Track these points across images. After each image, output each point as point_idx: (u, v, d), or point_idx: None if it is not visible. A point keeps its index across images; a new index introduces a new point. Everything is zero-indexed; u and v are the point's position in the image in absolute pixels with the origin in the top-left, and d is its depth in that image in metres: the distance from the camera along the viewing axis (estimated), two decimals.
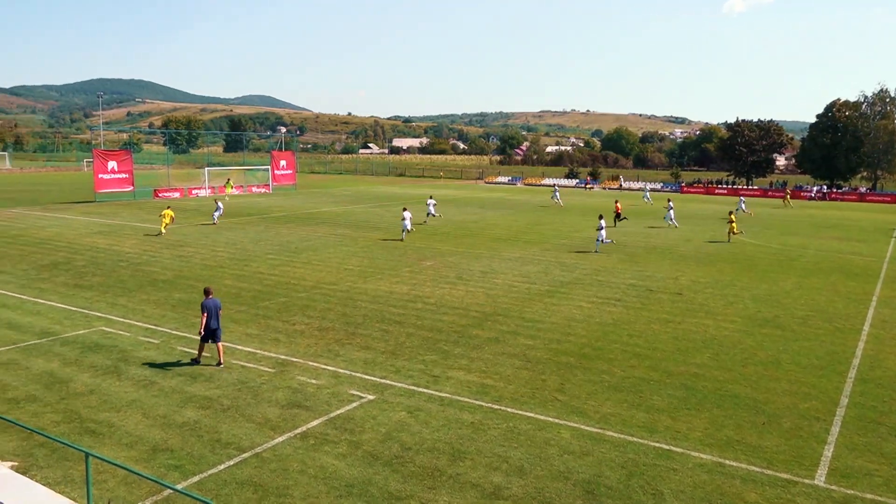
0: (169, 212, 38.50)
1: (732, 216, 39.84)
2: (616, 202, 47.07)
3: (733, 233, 38.76)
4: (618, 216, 44.66)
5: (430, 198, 48.08)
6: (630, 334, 19.03)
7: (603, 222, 34.39)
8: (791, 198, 71.96)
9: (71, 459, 10.98)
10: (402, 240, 36.22)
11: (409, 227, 37.00)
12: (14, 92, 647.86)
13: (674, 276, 27.72)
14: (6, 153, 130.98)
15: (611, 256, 32.19)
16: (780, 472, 11.14)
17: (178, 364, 15.83)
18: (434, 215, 45.32)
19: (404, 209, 38.43)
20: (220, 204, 43.38)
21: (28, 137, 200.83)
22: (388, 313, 20.82)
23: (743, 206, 57.89)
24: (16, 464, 10.79)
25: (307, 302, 22.10)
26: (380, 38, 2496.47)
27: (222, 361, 15.76)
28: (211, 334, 15.63)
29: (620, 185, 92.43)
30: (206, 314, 15.45)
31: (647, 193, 69.04)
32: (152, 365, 15.77)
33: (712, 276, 27.87)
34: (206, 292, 15.89)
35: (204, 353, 16.08)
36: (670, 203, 47.47)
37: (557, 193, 63.24)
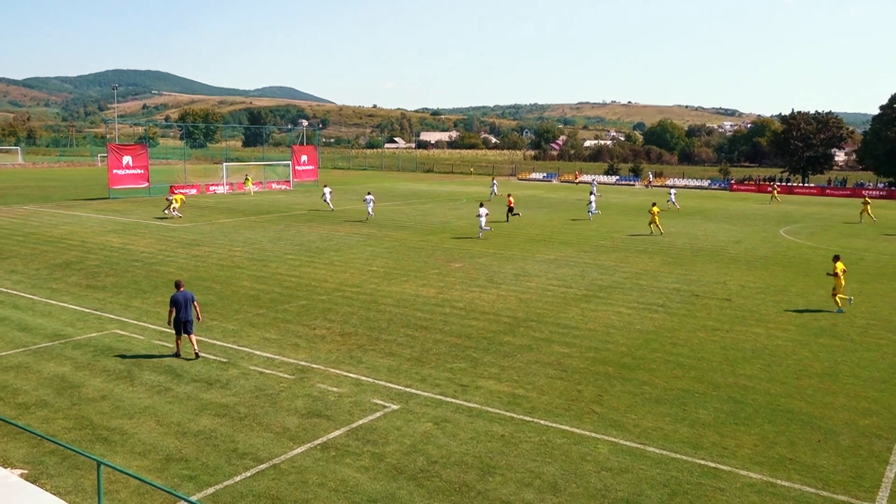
0: (179, 196, 45.94)
1: (655, 208, 40.71)
2: (509, 196, 48.82)
3: (654, 224, 40.25)
4: (510, 210, 45.83)
5: (369, 193, 48.92)
6: (673, 343, 18.84)
7: (483, 210, 37.88)
8: (854, 195, 70.67)
9: (82, 468, 11.20)
10: (369, 216, 44.48)
11: (370, 211, 44.79)
12: (27, 84, 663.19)
13: (721, 280, 27.38)
14: (18, 147, 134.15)
15: (653, 259, 31.93)
16: (836, 493, 10.94)
17: (193, 370, 16.05)
18: (371, 214, 45.43)
19: (368, 193, 46.81)
20: (171, 198, 45.94)
21: (41, 131, 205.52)
22: (414, 318, 20.88)
23: (673, 198, 57.55)
24: (25, 472, 11.03)
25: (329, 305, 22.26)
26: (407, 26, 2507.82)
27: (197, 352, 16.77)
28: (182, 327, 16.63)
29: (649, 183, 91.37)
30: (173, 308, 16.52)
31: (595, 188, 69.06)
32: (167, 370, 16.01)
33: (764, 280, 27.47)
34: (177, 285, 17.02)
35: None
36: (592, 195, 51.28)
37: (495, 186, 65.38)
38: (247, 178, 65.36)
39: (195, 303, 16.90)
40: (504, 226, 42.94)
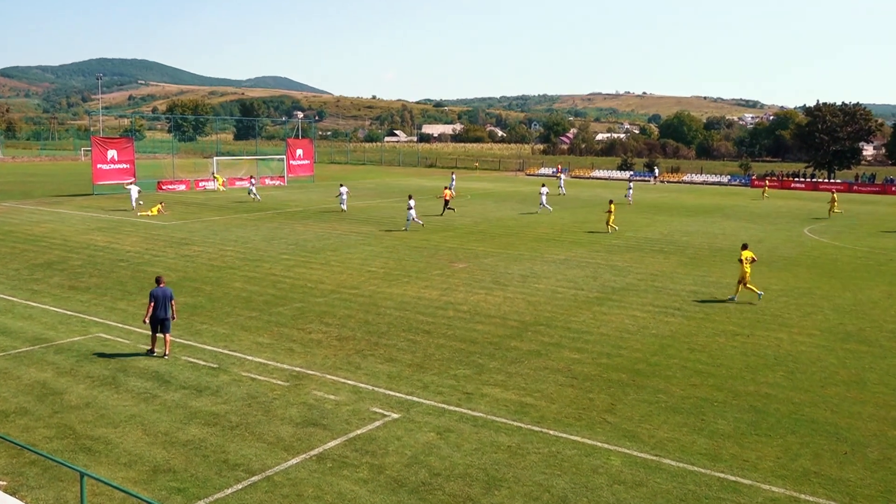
0: (156, 207, 45.44)
1: (612, 206, 41.28)
2: (445, 189, 50.28)
3: (609, 223, 40.82)
4: (446, 203, 47.12)
5: (342, 185, 50.96)
6: (691, 348, 18.83)
7: (411, 202, 40.00)
8: (885, 192, 70.54)
9: (64, 479, 11.21)
10: (343, 210, 47.00)
11: (343, 206, 47.68)
12: (6, 73, 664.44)
13: None
14: None
15: (669, 259, 31.90)
16: None
17: (181, 376, 16.07)
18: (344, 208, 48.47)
19: (341, 185, 50.24)
20: (131, 188, 47.97)
21: (21, 123, 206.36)
22: (416, 321, 20.89)
23: (630, 193, 59.31)
24: (4, 483, 11.05)
25: (325, 308, 22.28)
26: (408, 12, 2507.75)
27: (168, 353, 17.25)
28: (159, 324, 17.07)
29: (656, 179, 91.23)
30: (152, 303, 16.90)
31: (562, 182, 69.85)
32: (153, 376, 16.03)
33: (787, 282, 27.43)
34: (158, 281, 17.48)
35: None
36: (543, 188, 52.51)
37: (454, 181, 66.20)
38: (215, 177, 65.22)
39: (173, 301, 17.32)
40: (438, 219, 44.03)
